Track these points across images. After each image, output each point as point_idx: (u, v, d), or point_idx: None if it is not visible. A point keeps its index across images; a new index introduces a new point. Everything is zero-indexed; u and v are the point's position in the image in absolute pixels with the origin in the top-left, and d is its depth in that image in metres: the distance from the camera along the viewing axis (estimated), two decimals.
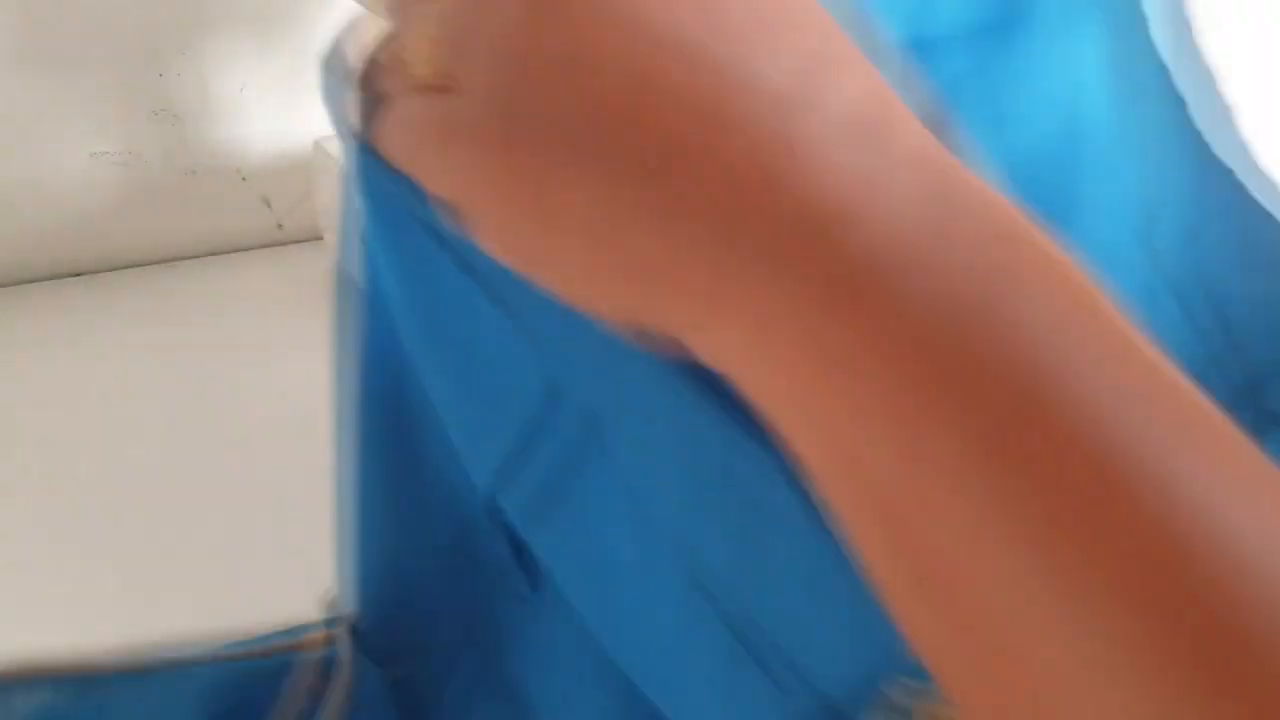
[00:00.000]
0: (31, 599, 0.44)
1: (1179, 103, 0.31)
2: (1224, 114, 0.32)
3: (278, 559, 0.44)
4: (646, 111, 0.18)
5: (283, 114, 0.65)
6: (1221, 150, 0.32)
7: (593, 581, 0.32)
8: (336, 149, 0.58)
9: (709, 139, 0.18)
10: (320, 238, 0.62)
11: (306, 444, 0.44)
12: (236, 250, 0.66)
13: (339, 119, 0.28)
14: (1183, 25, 0.32)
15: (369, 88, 0.27)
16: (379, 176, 0.25)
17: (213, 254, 0.65)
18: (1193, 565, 0.14)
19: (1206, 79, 0.32)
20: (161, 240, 0.64)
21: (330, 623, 0.37)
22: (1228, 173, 0.32)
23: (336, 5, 0.63)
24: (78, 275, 0.63)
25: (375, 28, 0.27)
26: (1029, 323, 0.16)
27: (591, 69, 0.19)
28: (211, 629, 0.37)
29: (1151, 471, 0.15)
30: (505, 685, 0.36)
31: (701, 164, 0.18)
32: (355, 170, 0.27)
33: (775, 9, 0.19)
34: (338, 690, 0.35)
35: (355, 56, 0.27)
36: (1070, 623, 0.15)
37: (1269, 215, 0.32)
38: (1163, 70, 0.31)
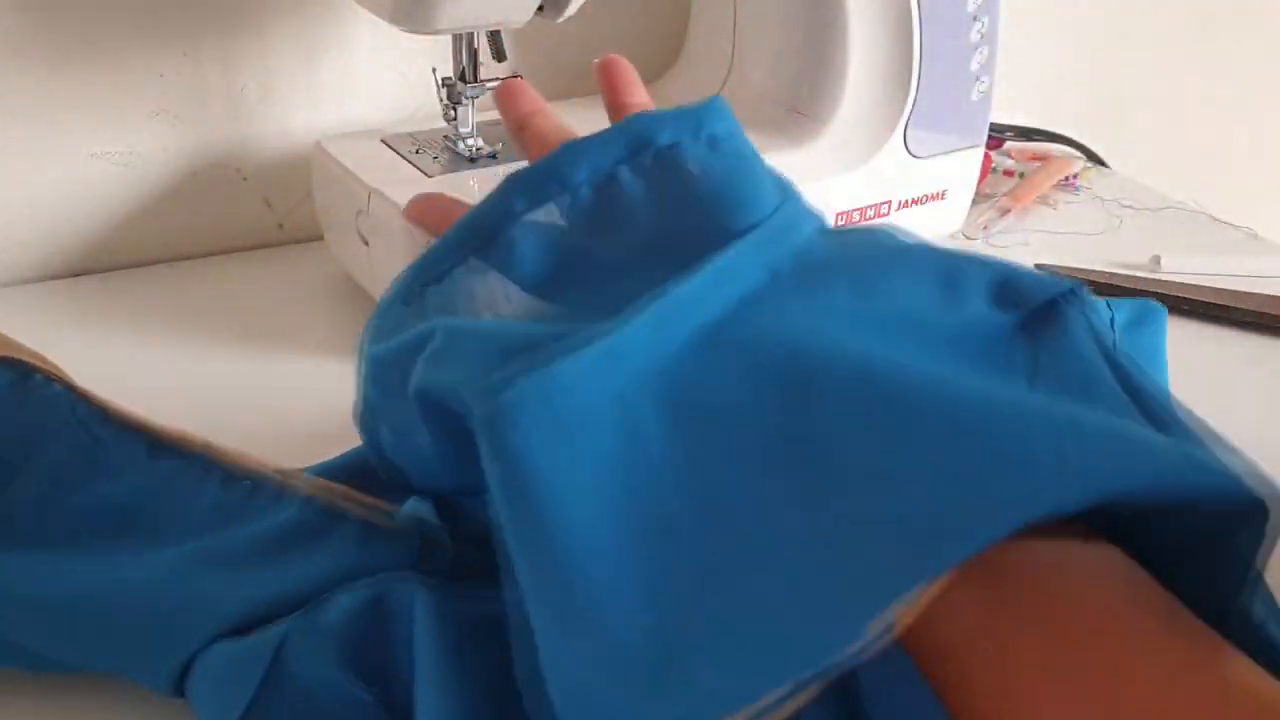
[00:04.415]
0: None
1: None
2: None
3: None
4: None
5: (283, 114, 0.65)
6: None
7: None
8: (336, 149, 0.58)
9: None
10: (320, 237, 0.62)
11: (306, 443, 0.44)
12: (237, 250, 0.66)
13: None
14: None
15: None
16: None
17: (213, 254, 0.65)
18: None
19: None
20: (162, 240, 0.64)
21: None
22: None
23: (335, 6, 0.63)
24: (77, 275, 0.63)
25: None
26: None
27: None
28: None
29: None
30: None
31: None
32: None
33: None
34: None
35: None
36: None
37: None
38: None
